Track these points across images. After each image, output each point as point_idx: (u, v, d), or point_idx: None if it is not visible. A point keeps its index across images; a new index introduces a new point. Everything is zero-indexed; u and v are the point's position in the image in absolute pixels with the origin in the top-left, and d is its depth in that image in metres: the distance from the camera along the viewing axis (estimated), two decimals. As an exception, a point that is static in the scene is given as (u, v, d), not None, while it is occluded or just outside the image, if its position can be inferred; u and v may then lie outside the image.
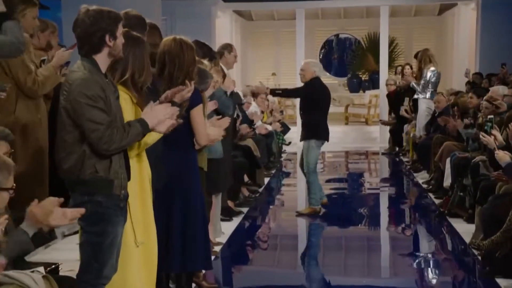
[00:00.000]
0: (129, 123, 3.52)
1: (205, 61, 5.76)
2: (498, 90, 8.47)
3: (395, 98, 13.81)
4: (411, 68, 13.16)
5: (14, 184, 3.15)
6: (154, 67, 4.76)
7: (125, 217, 3.70)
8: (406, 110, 13.09)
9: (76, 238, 3.73)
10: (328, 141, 8.66)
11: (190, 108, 4.65)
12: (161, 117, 3.63)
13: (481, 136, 6.66)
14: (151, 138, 3.79)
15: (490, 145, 6.48)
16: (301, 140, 8.68)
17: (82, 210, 3.32)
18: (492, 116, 7.30)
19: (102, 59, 3.54)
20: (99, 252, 3.52)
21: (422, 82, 11.51)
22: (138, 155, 3.89)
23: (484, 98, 8.48)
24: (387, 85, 14.45)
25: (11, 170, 3.14)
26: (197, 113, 4.73)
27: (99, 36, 3.49)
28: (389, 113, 14.75)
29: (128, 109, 3.76)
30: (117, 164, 3.54)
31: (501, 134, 7.08)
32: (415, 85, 11.66)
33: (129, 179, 3.66)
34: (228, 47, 7.70)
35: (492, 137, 6.50)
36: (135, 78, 3.82)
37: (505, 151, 6.12)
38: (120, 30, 3.56)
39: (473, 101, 9.35)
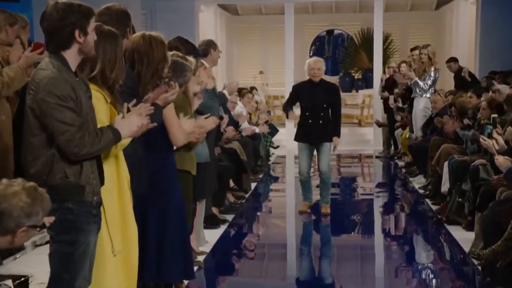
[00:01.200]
0: (101, 129, 3.48)
1: (191, 58, 5.74)
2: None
3: (392, 87, 13.63)
4: (410, 65, 12.81)
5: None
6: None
7: (99, 225, 3.66)
8: (395, 99, 12.98)
9: (48, 249, 3.68)
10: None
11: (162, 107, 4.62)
12: (134, 127, 3.60)
13: (481, 140, 6.66)
14: (125, 140, 3.75)
15: (490, 150, 6.48)
16: (323, 142, 8.89)
17: (51, 219, 3.27)
18: (495, 115, 7.26)
19: (72, 56, 3.49)
20: (70, 262, 3.48)
21: (427, 80, 11.43)
22: (116, 157, 3.85)
23: (482, 99, 8.50)
24: (388, 67, 14.26)
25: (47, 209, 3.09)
26: (169, 112, 4.72)
27: (68, 31, 3.44)
28: (385, 108, 14.42)
29: (102, 110, 3.70)
30: (88, 169, 3.49)
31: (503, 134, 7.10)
32: (420, 84, 11.49)
33: (102, 184, 3.62)
34: (212, 44, 7.70)
35: (493, 140, 6.50)
36: (106, 74, 3.77)
37: (506, 156, 6.12)
38: (92, 25, 3.51)
39: (473, 101, 9.36)
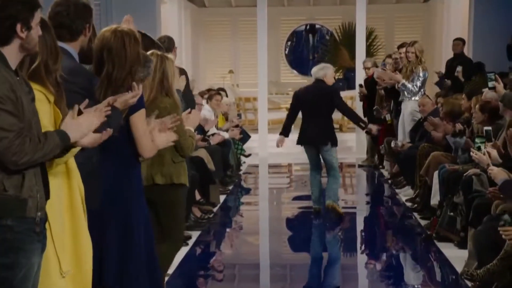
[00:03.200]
0: (46, 133, 3.42)
1: (169, 55, 5.78)
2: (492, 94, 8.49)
3: (370, 88, 13.61)
4: (396, 63, 12.71)
5: None
6: (91, 63, 4.71)
7: (44, 244, 3.59)
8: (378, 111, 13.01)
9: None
10: None
11: (129, 114, 4.59)
12: (85, 129, 3.56)
13: (472, 154, 6.72)
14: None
15: (482, 163, 6.53)
16: (321, 144, 9.79)
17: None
18: (489, 128, 7.28)
19: (12, 53, 3.43)
20: (10, 288, 3.42)
21: (416, 82, 11.48)
22: (66, 166, 3.81)
23: (473, 102, 8.55)
24: (364, 68, 14.27)
25: None
26: (138, 120, 4.68)
27: (8, 25, 3.38)
28: (364, 114, 14.49)
29: (44, 111, 3.63)
30: (32, 180, 3.42)
31: (497, 140, 7.16)
32: (408, 86, 11.52)
33: (47, 197, 3.56)
34: (171, 40, 7.72)
35: (486, 154, 6.55)
36: (49, 65, 3.71)
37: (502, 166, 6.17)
38: (37, 19, 3.47)
39: (464, 103, 9.41)
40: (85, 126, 3.56)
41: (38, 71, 3.66)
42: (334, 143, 9.87)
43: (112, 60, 4.57)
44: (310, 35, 22.95)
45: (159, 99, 5.53)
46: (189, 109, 5.70)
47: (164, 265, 5.75)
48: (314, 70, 10.07)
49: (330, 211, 9.83)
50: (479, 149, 6.82)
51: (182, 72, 7.62)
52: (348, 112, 10.41)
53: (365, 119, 14.12)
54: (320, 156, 9.93)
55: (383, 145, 12.53)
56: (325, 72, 9.93)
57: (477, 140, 7.06)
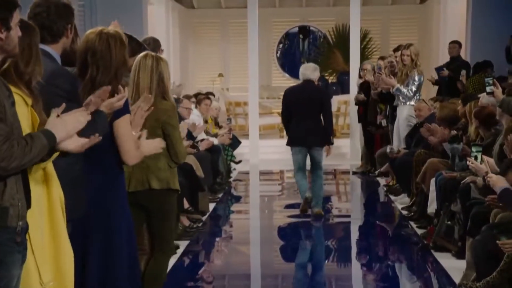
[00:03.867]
0: (31, 135, 3.39)
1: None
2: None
3: (366, 91, 13.63)
4: (391, 66, 12.71)
5: None
6: (73, 65, 4.69)
7: (24, 255, 3.56)
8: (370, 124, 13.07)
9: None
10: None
11: (113, 119, 4.57)
12: (70, 128, 3.53)
13: (468, 163, 6.72)
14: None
15: (479, 173, 6.53)
16: (315, 145, 10.28)
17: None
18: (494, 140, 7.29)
19: None
20: (-13, 302, 3.39)
21: (411, 86, 11.48)
22: (46, 173, 3.78)
23: (467, 109, 8.56)
24: (362, 70, 14.27)
25: None
26: (122, 126, 4.66)
27: None
28: (360, 119, 14.51)
29: (22, 114, 3.60)
30: (13, 187, 3.39)
31: (495, 145, 7.17)
32: (403, 91, 11.53)
33: (29, 206, 3.54)
34: (157, 42, 7.71)
35: (483, 163, 6.56)
36: (20, 68, 3.67)
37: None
38: (16, 19, 3.45)
39: (461, 109, 9.41)
40: (70, 124, 3.53)
41: (9, 73, 3.61)
42: (325, 143, 10.34)
43: (97, 63, 4.56)
44: (301, 38, 22.96)
45: (158, 102, 5.51)
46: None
47: (161, 276, 5.75)
48: (304, 71, 10.33)
49: (316, 215, 10.27)
50: (475, 158, 6.82)
51: None
52: (330, 121, 10.53)
53: (360, 124, 14.34)
54: (308, 156, 10.37)
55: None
56: (318, 73, 10.39)
57: (473, 149, 7.05)
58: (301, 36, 23.00)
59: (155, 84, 5.57)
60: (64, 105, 3.73)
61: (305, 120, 10.15)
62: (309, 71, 10.30)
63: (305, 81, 10.27)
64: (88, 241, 4.66)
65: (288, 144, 10.48)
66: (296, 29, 22.95)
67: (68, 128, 3.52)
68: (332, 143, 10.55)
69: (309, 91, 10.17)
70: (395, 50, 12.71)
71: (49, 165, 3.77)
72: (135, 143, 4.77)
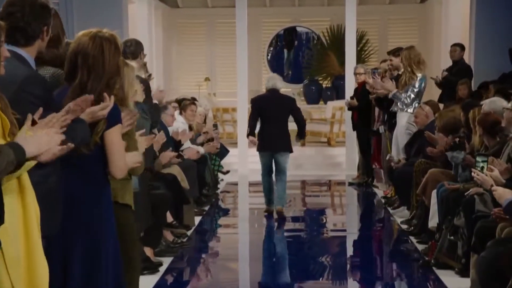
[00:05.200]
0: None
1: (133, 63, 5.72)
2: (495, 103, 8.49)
3: (361, 97, 13.63)
4: (390, 70, 12.75)
5: None
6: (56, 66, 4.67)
7: (-4, 272, 3.55)
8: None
9: None
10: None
11: (105, 129, 4.56)
12: (43, 146, 3.51)
13: (473, 175, 6.71)
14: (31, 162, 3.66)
15: (485, 185, 6.53)
16: (282, 151, 11.57)
17: None
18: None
19: None
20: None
21: (410, 92, 11.46)
22: (20, 184, 3.75)
23: (470, 116, 8.56)
24: (355, 74, 14.28)
25: None
26: (114, 136, 4.63)
27: None
28: (354, 126, 14.52)
29: None
30: (-16, 202, 3.39)
31: (501, 158, 7.16)
32: (399, 97, 11.52)
33: (2, 222, 3.52)
34: (141, 46, 7.71)
35: (489, 173, 6.56)
36: None
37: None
38: None
39: (462, 117, 9.41)
40: (44, 143, 3.52)
41: None
42: (291, 149, 11.73)
43: (88, 68, 4.53)
44: (285, 47, 23.07)
45: None
46: (143, 131, 5.64)
47: None
48: (271, 80, 11.78)
49: (278, 213, 11.54)
50: (482, 169, 6.81)
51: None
52: (302, 122, 11.97)
53: (355, 133, 14.38)
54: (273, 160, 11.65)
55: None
56: (283, 83, 12.47)
57: (478, 159, 7.04)
58: (285, 49, 23.06)
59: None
60: (41, 110, 3.71)
61: (272, 127, 11.49)
62: (275, 80, 11.72)
63: (272, 90, 11.64)
64: (70, 259, 4.63)
65: (257, 149, 11.71)
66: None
67: (41, 146, 3.52)
68: (303, 138, 12.67)
69: (276, 99, 11.61)
70: (390, 52, 12.74)
71: (25, 176, 3.74)
72: (124, 155, 4.75)
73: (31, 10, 4.34)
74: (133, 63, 6.95)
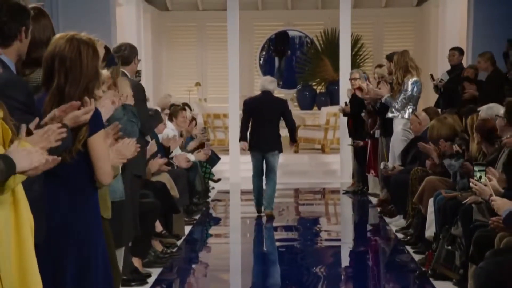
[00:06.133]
0: None
1: (103, 71, 5.68)
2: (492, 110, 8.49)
3: (356, 103, 13.65)
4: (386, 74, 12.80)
5: None
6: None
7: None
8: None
9: None
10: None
11: (88, 136, 4.55)
12: (33, 163, 3.51)
13: (471, 185, 6.71)
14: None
15: (483, 195, 6.52)
16: (272, 151, 12.07)
17: None
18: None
19: None
20: None
21: (401, 96, 11.47)
22: (13, 195, 3.74)
23: (468, 122, 8.56)
24: (350, 80, 14.24)
25: None
26: (98, 142, 4.62)
27: None
28: (350, 131, 14.54)
29: None
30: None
31: (496, 166, 7.16)
32: (390, 101, 11.56)
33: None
34: (136, 51, 7.70)
35: (488, 183, 6.54)
36: None
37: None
38: None
39: (460, 124, 9.41)
40: (36, 159, 3.52)
41: None
42: (281, 149, 12.27)
43: (65, 72, 4.51)
44: (276, 56, 23.11)
45: None
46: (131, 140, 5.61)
47: None
48: (263, 82, 12.37)
49: (267, 216, 12.10)
50: (480, 178, 6.80)
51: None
52: (293, 125, 12.46)
53: (351, 140, 14.40)
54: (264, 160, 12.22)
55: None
56: (275, 85, 12.70)
57: (475, 168, 7.02)
58: (276, 57, 23.11)
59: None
60: (37, 119, 3.71)
61: (263, 128, 12.05)
62: (267, 83, 12.26)
63: (264, 92, 12.16)
64: (60, 266, 4.62)
65: (248, 148, 12.29)
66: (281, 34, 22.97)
67: (33, 162, 3.53)
68: (296, 141, 13.06)
69: (268, 101, 12.13)
70: (389, 57, 12.74)
71: (19, 188, 3.75)
72: (110, 161, 4.74)
73: (7, 10, 4.33)
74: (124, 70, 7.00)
